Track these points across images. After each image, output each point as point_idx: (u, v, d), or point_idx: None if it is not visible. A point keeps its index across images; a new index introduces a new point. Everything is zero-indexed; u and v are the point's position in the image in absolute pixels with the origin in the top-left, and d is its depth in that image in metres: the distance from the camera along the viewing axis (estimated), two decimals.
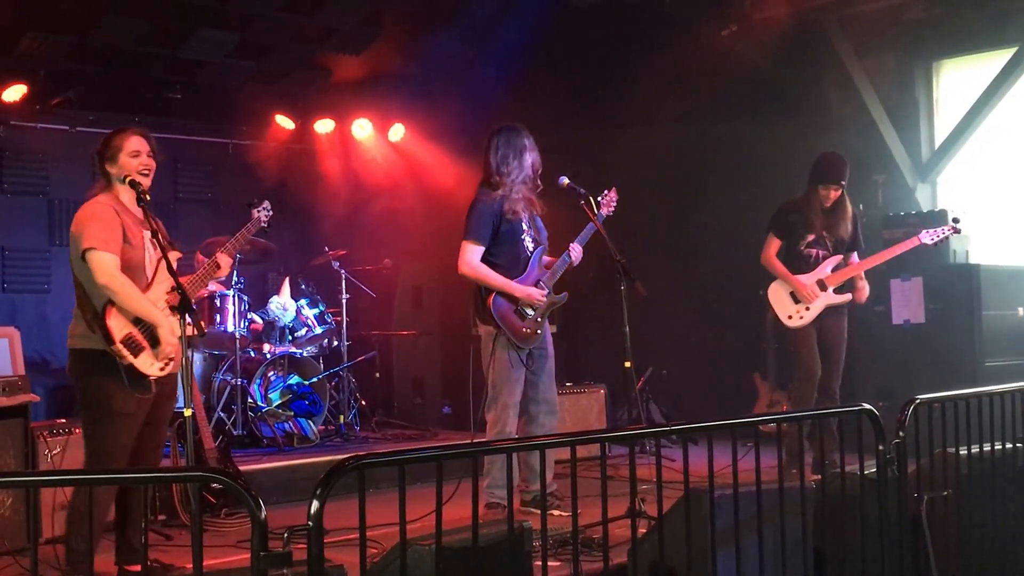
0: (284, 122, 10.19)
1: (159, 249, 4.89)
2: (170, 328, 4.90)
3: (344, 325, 8.96)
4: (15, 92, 8.57)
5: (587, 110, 10.18)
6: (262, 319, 8.60)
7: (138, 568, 4.93)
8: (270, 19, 8.85)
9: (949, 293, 8.13)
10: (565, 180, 6.21)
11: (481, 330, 6.26)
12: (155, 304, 4.95)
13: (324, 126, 10.46)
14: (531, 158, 6.23)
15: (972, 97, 9.06)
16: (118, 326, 4.83)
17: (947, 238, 7.21)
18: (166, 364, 5.00)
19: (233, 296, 8.18)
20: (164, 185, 9.85)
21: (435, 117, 10.13)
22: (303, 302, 8.77)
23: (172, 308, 4.72)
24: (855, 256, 7.33)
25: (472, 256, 6.16)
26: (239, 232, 5.57)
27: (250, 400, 8.08)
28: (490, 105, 9.63)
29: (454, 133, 9.98)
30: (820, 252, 7.21)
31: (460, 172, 9.87)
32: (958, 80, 9.42)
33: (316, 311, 8.81)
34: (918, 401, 4.62)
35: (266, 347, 8.57)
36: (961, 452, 4.84)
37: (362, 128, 10.52)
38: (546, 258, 6.39)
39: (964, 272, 8.16)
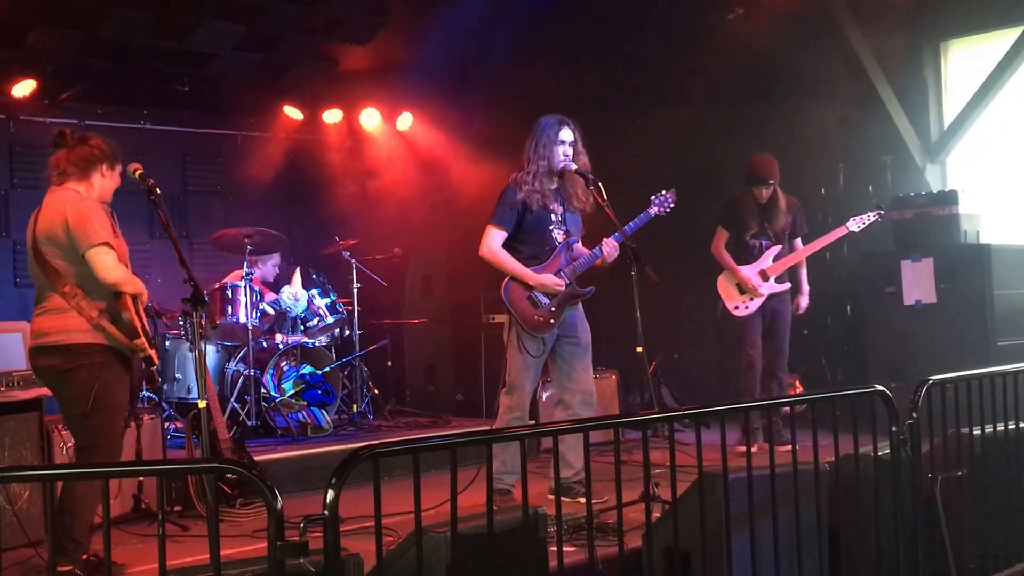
0: (292, 113, 10.21)
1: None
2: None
3: (355, 314, 8.97)
4: (24, 87, 8.61)
5: (596, 94, 10.14)
6: (274, 309, 8.61)
7: (68, 568, 4.73)
8: (276, 10, 8.86)
9: (960, 273, 8.09)
10: (573, 166, 6.18)
11: (504, 318, 6.32)
12: None
13: (332, 116, 10.46)
14: (562, 151, 6.13)
15: (981, 77, 9.01)
16: (135, 320, 4.79)
17: (872, 224, 7.65)
18: None
19: (245, 287, 8.21)
20: (173, 178, 9.88)
21: (443, 105, 10.12)
22: (314, 292, 8.78)
23: (184, 300, 4.73)
24: (798, 242, 7.87)
25: (493, 240, 6.16)
26: None
27: (263, 390, 8.10)
28: (498, 91, 9.63)
29: (462, 120, 9.97)
30: (763, 242, 7.77)
31: (469, 160, 9.87)
32: (966, 60, 9.37)
33: (327, 301, 8.82)
34: (931, 381, 4.63)
35: (278, 337, 8.59)
36: (975, 432, 4.85)
37: (370, 117, 10.52)
38: (578, 249, 6.30)
39: (975, 252, 8.11)
